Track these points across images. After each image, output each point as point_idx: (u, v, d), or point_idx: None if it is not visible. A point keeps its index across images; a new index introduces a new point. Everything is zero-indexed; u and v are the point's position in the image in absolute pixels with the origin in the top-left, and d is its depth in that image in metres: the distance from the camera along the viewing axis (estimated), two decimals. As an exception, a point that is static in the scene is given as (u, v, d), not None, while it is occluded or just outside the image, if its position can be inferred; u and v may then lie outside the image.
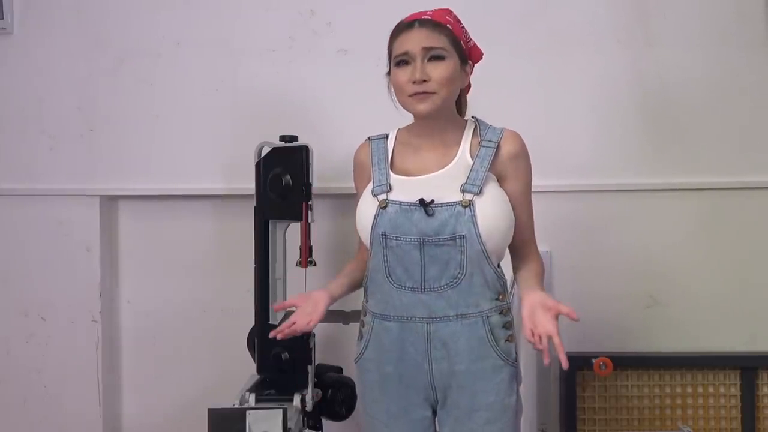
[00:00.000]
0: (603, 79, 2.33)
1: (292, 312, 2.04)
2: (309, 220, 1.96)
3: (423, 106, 1.49)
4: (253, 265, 2.03)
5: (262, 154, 2.02)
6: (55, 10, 2.42)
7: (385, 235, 1.50)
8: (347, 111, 2.35)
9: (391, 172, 1.56)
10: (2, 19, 2.41)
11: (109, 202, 2.46)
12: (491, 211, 1.47)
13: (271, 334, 1.59)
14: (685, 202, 2.34)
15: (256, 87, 2.39)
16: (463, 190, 1.48)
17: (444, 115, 1.54)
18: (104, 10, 2.42)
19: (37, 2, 2.43)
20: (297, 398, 1.88)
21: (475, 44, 1.59)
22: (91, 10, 2.42)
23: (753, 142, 2.33)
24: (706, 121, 2.33)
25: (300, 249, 1.98)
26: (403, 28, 1.53)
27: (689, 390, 2.33)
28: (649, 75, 2.33)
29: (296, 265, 1.99)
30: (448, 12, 1.55)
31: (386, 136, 1.64)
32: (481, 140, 1.53)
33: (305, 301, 1.61)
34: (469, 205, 1.46)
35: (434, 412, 1.58)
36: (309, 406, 1.91)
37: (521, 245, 1.59)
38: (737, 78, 2.33)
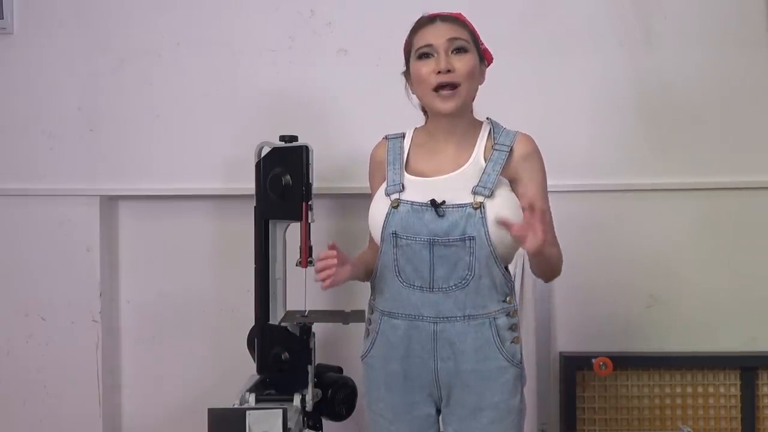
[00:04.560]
0: (603, 80, 2.34)
1: (292, 312, 2.06)
2: (309, 220, 1.96)
3: (449, 105, 1.50)
4: (253, 265, 2.03)
5: (262, 154, 2.02)
6: (55, 10, 2.42)
7: (395, 234, 1.51)
8: (347, 111, 2.35)
9: (405, 173, 1.56)
10: (2, 19, 2.41)
11: (109, 202, 2.46)
12: (501, 214, 1.46)
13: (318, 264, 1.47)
14: (685, 202, 2.34)
15: (256, 87, 2.39)
16: (474, 193, 1.48)
17: (463, 114, 1.55)
18: (104, 10, 2.42)
19: (37, 2, 2.43)
20: (297, 398, 1.88)
21: (486, 48, 1.60)
22: (91, 10, 2.42)
23: (753, 142, 2.33)
24: (706, 121, 2.33)
25: (300, 249, 1.98)
26: (424, 22, 1.55)
27: (689, 390, 2.33)
28: (649, 75, 2.34)
29: (296, 265, 1.99)
30: (462, 15, 1.58)
31: (403, 135, 1.64)
32: (494, 143, 1.54)
33: (340, 260, 1.49)
34: (480, 207, 1.46)
35: (438, 411, 1.59)
36: (309, 406, 1.91)
37: None
38: (737, 78, 2.33)
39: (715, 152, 2.33)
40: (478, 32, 1.58)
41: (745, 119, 2.33)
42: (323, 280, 1.47)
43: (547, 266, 1.54)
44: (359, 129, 2.19)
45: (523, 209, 1.37)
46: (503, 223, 1.39)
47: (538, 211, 1.34)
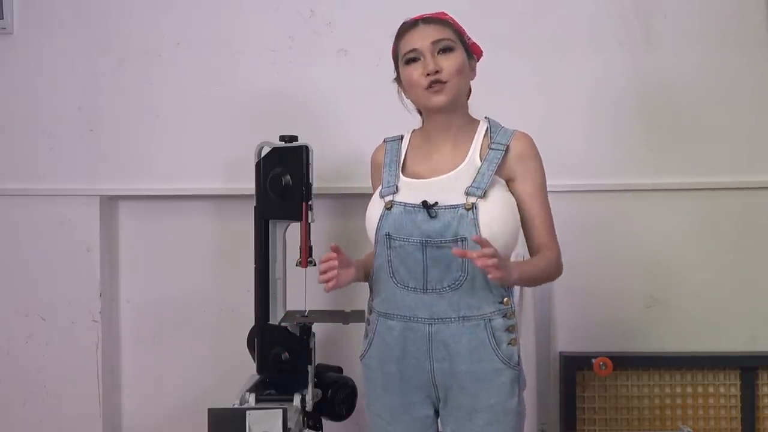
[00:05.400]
0: (603, 80, 2.33)
1: (292, 312, 2.06)
2: (309, 220, 1.96)
3: (438, 98, 1.50)
4: (253, 265, 2.03)
5: (262, 154, 2.02)
6: (55, 10, 2.42)
7: (389, 235, 1.51)
8: (347, 111, 2.35)
9: (400, 174, 1.57)
10: (2, 19, 2.41)
11: (109, 202, 2.46)
12: (494, 215, 1.46)
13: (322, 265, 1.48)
14: (685, 202, 2.34)
15: (256, 87, 2.39)
16: (467, 193, 1.48)
17: (457, 111, 1.55)
18: (104, 10, 2.42)
19: (37, 2, 2.43)
20: (297, 398, 1.88)
21: (474, 42, 1.60)
22: (91, 10, 2.42)
23: (753, 142, 2.33)
24: (706, 121, 2.33)
25: (300, 249, 1.98)
26: (407, 27, 1.56)
27: (689, 390, 2.33)
28: (649, 75, 2.33)
29: (296, 265, 1.98)
30: (445, 13, 1.59)
31: (401, 138, 1.65)
32: (491, 142, 1.54)
33: (343, 262, 1.51)
34: (472, 207, 1.46)
35: (436, 412, 1.59)
36: (309, 406, 1.91)
37: (538, 248, 1.56)
38: (737, 78, 2.33)
39: (715, 152, 2.33)
40: (463, 28, 1.58)
41: (745, 119, 2.33)
42: (326, 281, 1.47)
43: (535, 284, 1.62)
44: (359, 129, 2.19)
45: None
46: (461, 255, 1.36)
47: (488, 248, 1.32)
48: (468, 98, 1.63)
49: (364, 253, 1.72)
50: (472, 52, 1.59)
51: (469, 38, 1.59)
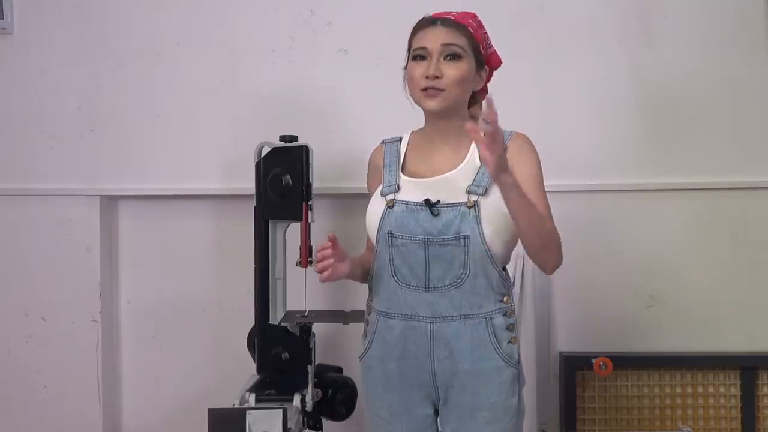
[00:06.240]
0: (603, 79, 2.33)
1: (292, 312, 2.06)
2: (309, 220, 1.96)
3: (433, 103, 1.50)
4: (253, 265, 2.03)
5: (262, 154, 2.02)
6: (55, 10, 2.42)
7: (391, 233, 1.51)
8: (347, 111, 2.35)
9: (401, 174, 1.57)
10: (2, 19, 2.41)
11: (109, 202, 2.46)
12: (496, 213, 1.47)
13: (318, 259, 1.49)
14: (685, 202, 2.34)
15: (256, 87, 2.39)
16: (468, 192, 1.48)
17: (455, 115, 1.55)
18: (104, 11, 2.42)
19: (37, 2, 2.43)
20: (297, 398, 1.88)
21: (494, 51, 1.60)
22: (91, 11, 2.42)
23: (753, 142, 2.33)
24: (706, 121, 2.33)
25: (300, 249, 1.98)
26: (425, 24, 1.55)
27: (689, 390, 2.33)
28: (650, 75, 2.34)
29: (296, 265, 1.99)
30: (473, 16, 1.57)
31: (400, 139, 1.65)
32: None
33: (339, 256, 1.51)
34: (474, 206, 1.47)
35: (436, 411, 1.59)
36: (309, 406, 1.91)
37: None
38: (737, 78, 2.33)
39: (715, 152, 2.33)
40: (484, 34, 1.57)
41: (744, 119, 2.33)
42: (322, 271, 1.48)
43: (526, 221, 1.41)
44: (359, 129, 2.20)
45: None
46: (469, 130, 1.28)
47: (493, 112, 1.25)
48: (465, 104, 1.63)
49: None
50: (486, 63, 1.58)
51: (490, 47, 1.58)
